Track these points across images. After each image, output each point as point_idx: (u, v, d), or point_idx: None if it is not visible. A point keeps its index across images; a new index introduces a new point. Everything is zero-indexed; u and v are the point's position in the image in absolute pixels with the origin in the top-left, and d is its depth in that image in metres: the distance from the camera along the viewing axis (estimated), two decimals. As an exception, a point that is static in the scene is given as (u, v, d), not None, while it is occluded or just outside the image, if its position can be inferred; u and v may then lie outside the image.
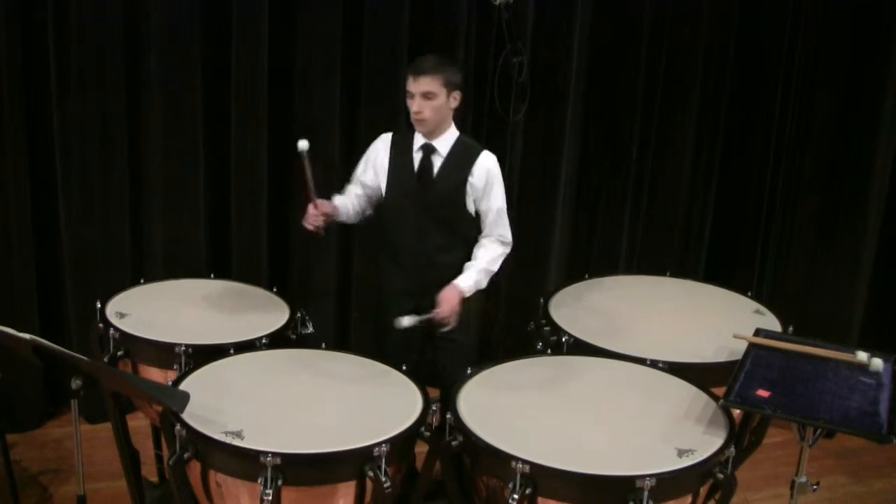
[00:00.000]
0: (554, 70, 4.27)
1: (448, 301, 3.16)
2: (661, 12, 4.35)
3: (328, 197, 3.30)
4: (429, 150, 3.24)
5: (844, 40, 4.21)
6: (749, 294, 3.63)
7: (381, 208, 3.37)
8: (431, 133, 3.23)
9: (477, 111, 4.18)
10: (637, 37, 4.37)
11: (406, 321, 3.07)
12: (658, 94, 4.48)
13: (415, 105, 3.16)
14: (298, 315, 3.30)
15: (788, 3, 4.32)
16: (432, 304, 3.17)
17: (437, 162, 3.24)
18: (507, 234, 3.30)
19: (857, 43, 4.19)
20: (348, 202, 3.36)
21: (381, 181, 3.32)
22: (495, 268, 3.28)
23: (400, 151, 3.28)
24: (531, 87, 3.72)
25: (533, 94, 3.78)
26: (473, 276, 3.22)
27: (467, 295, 3.21)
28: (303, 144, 3.12)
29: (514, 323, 3.57)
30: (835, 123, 4.31)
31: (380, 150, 3.33)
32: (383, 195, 3.33)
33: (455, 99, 3.22)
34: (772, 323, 3.37)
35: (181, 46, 3.90)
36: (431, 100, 3.15)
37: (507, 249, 3.32)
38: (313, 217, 3.20)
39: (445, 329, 3.20)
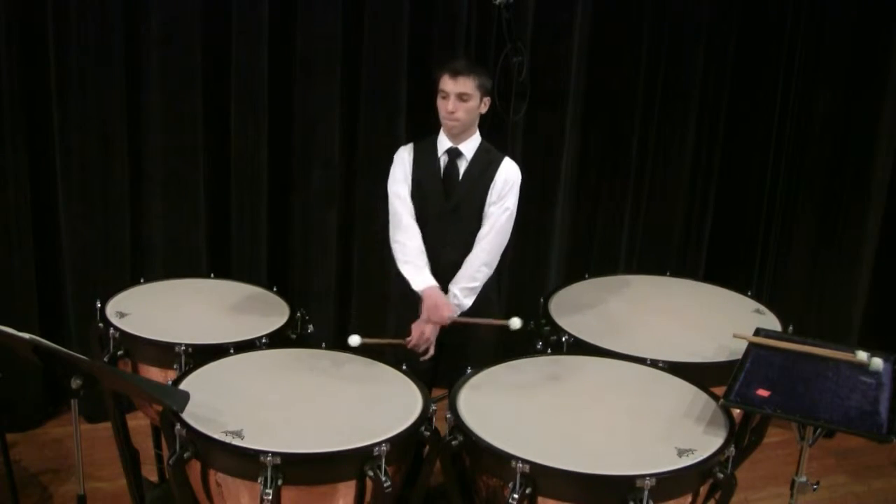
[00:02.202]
0: (554, 70, 4.27)
1: (418, 331, 3.14)
2: (661, 12, 4.36)
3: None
4: (454, 154, 3.22)
5: (844, 40, 4.21)
6: (749, 294, 3.63)
7: None
8: (457, 137, 3.20)
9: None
10: (637, 37, 4.37)
11: (354, 340, 3.01)
12: (658, 94, 4.48)
13: (450, 105, 3.13)
14: (298, 315, 3.30)
15: (788, 3, 4.32)
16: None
17: (462, 166, 3.21)
18: (495, 249, 3.19)
19: (857, 43, 4.19)
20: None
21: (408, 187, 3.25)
22: (477, 284, 3.18)
23: (424, 157, 3.24)
24: (531, 87, 3.72)
25: (533, 94, 3.78)
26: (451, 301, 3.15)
27: (446, 323, 3.14)
28: (354, 340, 3.03)
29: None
30: (835, 123, 4.31)
31: (405, 160, 3.25)
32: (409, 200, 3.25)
33: (485, 104, 3.20)
34: (772, 323, 3.37)
35: (181, 46, 3.90)
36: (466, 101, 3.13)
37: (489, 262, 3.19)
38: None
39: (424, 358, 3.17)
